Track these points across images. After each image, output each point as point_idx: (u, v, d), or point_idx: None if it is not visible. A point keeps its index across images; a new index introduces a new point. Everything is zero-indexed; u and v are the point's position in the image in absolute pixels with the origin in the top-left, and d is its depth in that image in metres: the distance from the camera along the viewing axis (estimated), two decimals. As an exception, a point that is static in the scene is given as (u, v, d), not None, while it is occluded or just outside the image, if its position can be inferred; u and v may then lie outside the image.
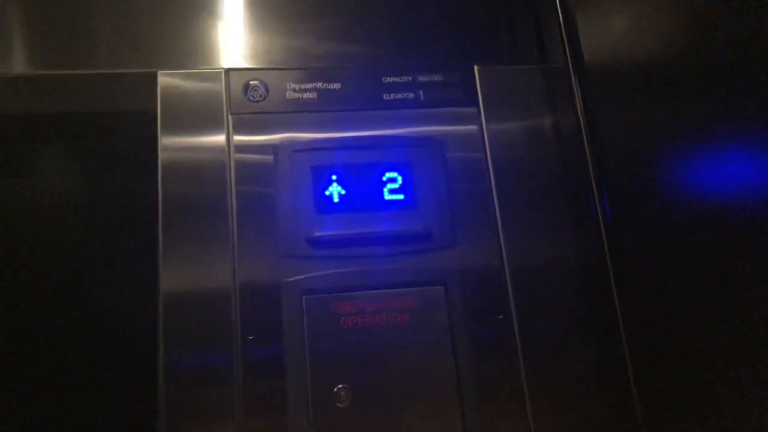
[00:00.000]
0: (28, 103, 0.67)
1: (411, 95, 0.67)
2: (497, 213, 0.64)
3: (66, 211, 0.72)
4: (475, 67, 0.69)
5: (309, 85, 0.66)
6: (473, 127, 0.67)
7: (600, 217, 0.59)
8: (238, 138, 0.63)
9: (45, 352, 0.67)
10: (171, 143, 0.62)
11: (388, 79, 0.68)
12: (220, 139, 0.63)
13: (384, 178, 0.64)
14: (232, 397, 0.55)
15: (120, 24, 0.68)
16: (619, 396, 0.57)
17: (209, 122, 0.64)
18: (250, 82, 0.65)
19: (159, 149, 0.62)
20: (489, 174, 0.66)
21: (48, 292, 0.69)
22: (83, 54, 0.67)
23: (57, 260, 0.70)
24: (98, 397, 0.63)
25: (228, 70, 0.65)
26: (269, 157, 0.63)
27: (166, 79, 0.65)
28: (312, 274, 0.60)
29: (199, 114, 0.64)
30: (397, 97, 0.67)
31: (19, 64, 0.67)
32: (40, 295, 0.69)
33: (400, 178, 0.64)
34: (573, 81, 0.63)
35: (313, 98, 0.66)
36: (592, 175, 0.60)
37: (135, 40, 0.67)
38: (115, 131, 0.70)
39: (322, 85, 0.66)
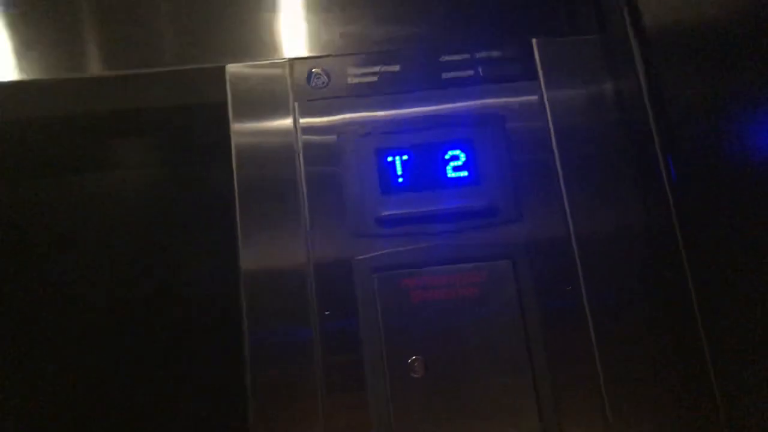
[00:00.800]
0: (105, 102, 0.72)
1: (470, 72, 0.68)
2: (562, 184, 0.64)
3: (148, 201, 0.77)
4: (533, 40, 0.69)
5: (368, 69, 0.68)
6: (534, 100, 0.67)
7: (666, 183, 0.58)
8: (304, 123, 0.66)
9: (134, 335, 0.72)
10: (242, 130, 0.65)
11: (446, 58, 0.68)
12: (287, 124, 0.66)
13: (447, 156, 0.65)
14: (313, 370, 0.59)
15: (186, 22, 0.71)
16: (696, 371, 0.57)
17: (277, 110, 0.67)
18: (313, 70, 0.68)
19: (232, 137, 0.65)
20: (552, 146, 0.66)
21: (135, 278, 0.74)
22: (154, 52, 0.71)
23: (143, 247, 0.75)
24: (188, 374, 0.68)
25: (291, 60, 0.68)
26: (335, 140, 0.65)
27: (234, 72, 0.68)
28: (381, 252, 0.62)
29: (267, 102, 0.67)
30: (456, 75, 0.68)
31: (93, 66, 0.72)
32: (128, 282, 0.75)
33: (463, 156, 0.65)
34: (633, 48, 0.62)
35: (373, 81, 0.67)
36: (656, 141, 0.59)
37: (202, 37, 0.71)
38: (189, 123, 0.74)
39: (381, 68, 0.68)
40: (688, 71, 0.57)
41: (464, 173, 0.65)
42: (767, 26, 0.45)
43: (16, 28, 0.72)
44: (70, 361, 0.71)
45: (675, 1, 0.58)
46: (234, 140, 0.65)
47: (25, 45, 0.70)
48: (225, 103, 0.67)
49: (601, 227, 0.63)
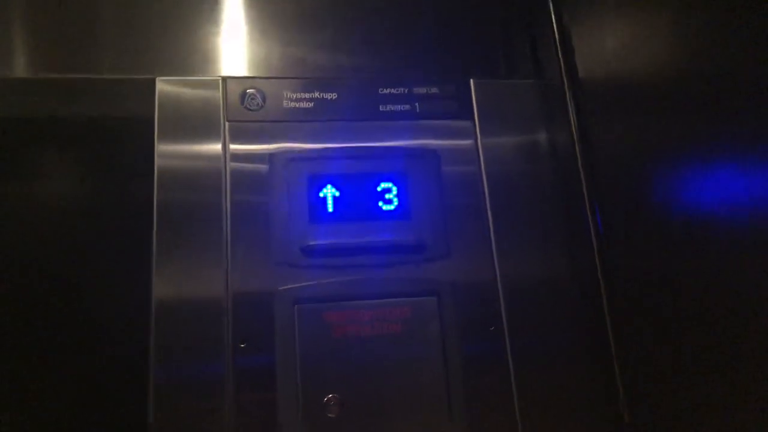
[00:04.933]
0: (28, 105, 0.67)
1: (407, 107, 0.68)
2: (491, 225, 0.65)
3: (62, 213, 0.72)
4: (471, 80, 0.70)
5: (306, 95, 0.66)
6: (468, 140, 0.67)
7: (592, 230, 0.59)
8: (235, 146, 0.63)
9: (37, 357, 0.67)
10: (167, 150, 0.62)
11: (385, 90, 0.68)
12: (216, 146, 0.63)
13: (379, 189, 0.64)
14: (222, 407, 0.55)
15: (120, 30, 0.68)
16: (610, 411, 0.57)
17: (206, 129, 0.64)
18: (248, 91, 0.66)
19: (156, 155, 0.62)
20: (483, 187, 0.66)
21: (42, 295, 0.69)
22: (83, 58, 0.67)
23: (52, 263, 0.70)
24: (89, 405, 0.63)
25: (225, 78, 0.66)
26: (265, 166, 0.63)
27: (164, 86, 0.65)
28: (305, 284, 0.60)
29: (196, 121, 0.64)
30: (393, 109, 0.68)
31: (19, 68, 0.67)
32: (34, 299, 0.69)
33: (395, 189, 0.64)
34: (567, 96, 0.64)
35: (309, 107, 0.66)
36: (584, 189, 0.60)
37: (135, 46, 0.68)
38: (113, 136, 0.70)
39: (319, 94, 0.67)
40: (618, 123, 0.59)
41: (395, 206, 0.64)
42: (694, 84, 0.47)
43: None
44: None
45: (608, 55, 0.60)
46: (158, 161, 0.62)
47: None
48: (152, 119, 0.64)
49: (527, 271, 0.63)
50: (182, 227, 0.59)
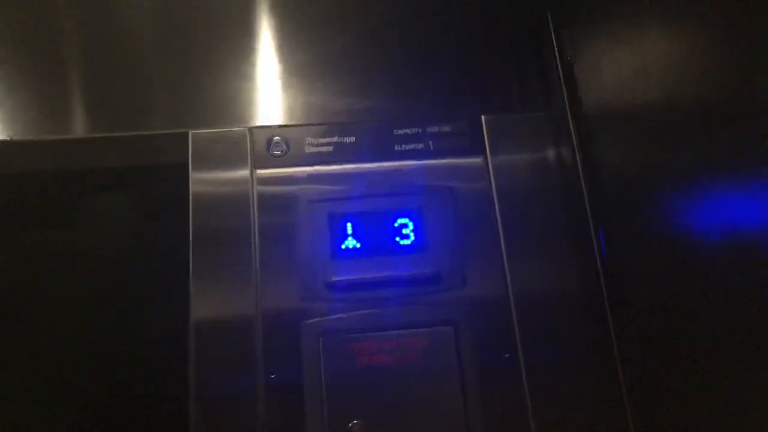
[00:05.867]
0: (82, 161, 0.75)
1: (421, 145, 0.72)
2: (504, 255, 0.68)
3: (115, 249, 0.80)
4: (482, 116, 0.74)
5: (326, 140, 0.72)
6: (480, 175, 0.71)
7: (597, 256, 0.62)
8: (261, 190, 0.69)
9: (85, 380, 0.74)
10: (201, 194, 0.69)
11: (400, 131, 0.73)
12: (245, 190, 0.69)
13: (396, 224, 0.68)
14: (255, 424, 0.60)
15: (155, 89, 0.75)
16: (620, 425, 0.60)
17: (235, 175, 0.70)
18: (273, 138, 0.71)
19: (191, 201, 0.68)
20: (496, 217, 0.69)
21: (96, 321, 0.76)
22: (128, 117, 0.75)
23: (104, 295, 0.77)
24: (132, 423, 0.69)
25: (252, 128, 0.72)
26: (290, 207, 0.68)
27: (197, 137, 0.71)
28: (329, 317, 0.64)
29: (227, 168, 0.70)
30: (407, 148, 0.72)
31: (74, 128, 0.75)
32: (84, 327, 0.76)
33: (411, 224, 0.69)
34: (570, 125, 0.67)
35: (329, 151, 0.71)
36: (589, 216, 0.64)
37: (169, 103, 0.74)
38: (152, 182, 0.77)
39: (338, 138, 0.72)
40: (622, 151, 0.62)
41: (411, 241, 0.68)
42: (694, 111, 0.49)
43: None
44: (29, 410, 0.72)
45: (611, 83, 0.63)
46: (193, 206, 0.68)
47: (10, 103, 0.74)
48: (186, 164, 0.70)
49: (540, 298, 0.67)
50: (214, 266, 0.66)
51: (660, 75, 0.54)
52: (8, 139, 0.73)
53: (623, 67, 0.61)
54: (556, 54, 0.70)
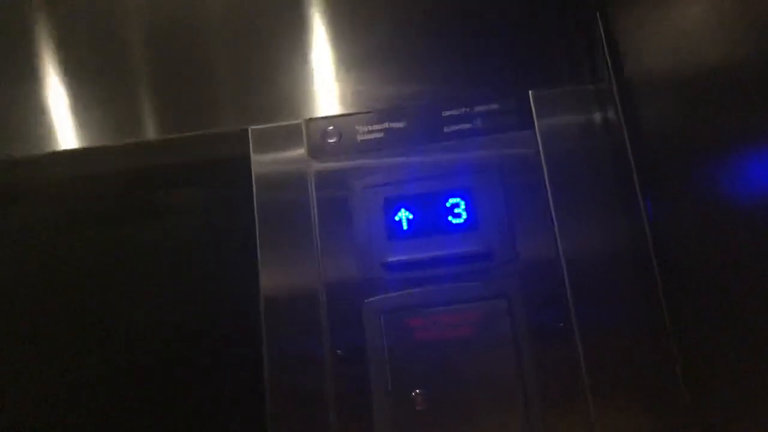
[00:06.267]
0: (154, 160, 0.82)
1: (469, 125, 0.74)
2: (555, 227, 0.69)
3: (193, 235, 0.87)
4: (530, 92, 0.75)
5: (376, 126, 0.75)
6: (530, 149, 0.72)
7: (645, 222, 0.63)
8: (319, 178, 0.73)
9: (163, 351, 0.82)
10: (263, 185, 0.74)
11: (447, 113, 0.75)
12: (303, 179, 0.73)
13: (448, 204, 0.71)
14: (324, 393, 0.66)
15: (215, 88, 0.81)
16: (677, 399, 0.61)
17: (294, 165, 0.74)
18: (327, 129, 0.75)
19: (254, 190, 0.74)
20: (546, 188, 0.71)
21: (175, 299, 0.84)
22: (190, 117, 0.81)
23: (183, 280, 0.85)
24: (210, 389, 0.77)
25: (307, 120, 0.76)
26: (346, 193, 0.72)
27: (256, 133, 0.76)
28: (387, 295, 0.68)
29: (285, 159, 0.75)
30: (456, 128, 0.74)
31: (144, 131, 0.82)
32: (171, 306, 0.84)
33: (462, 203, 0.71)
34: (615, 96, 0.67)
35: (381, 137, 0.74)
36: (636, 183, 0.64)
37: (228, 101, 0.80)
38: (220, 178, 0.83)
39: (388, 125, 0.75)
40: (666, 118, 0.62)
41: (464, 220, 0.70)
42: (735, 76, 0.49)
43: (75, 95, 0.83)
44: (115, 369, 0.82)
45: (653, 51, 0.63)
46: (256, 195, 0.73)
47: (83, 111, 0.82)
48: (248, 157, 0.75)
49: (592, 267, 0.68)
50: (280, 249, 0.71)
51: (701, 40, 0.54)
52: (8, 155, 0.80)
53: (665, 34, 0.61)
54: (600, 25, 0.70)
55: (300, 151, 0.75)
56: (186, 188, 0.89)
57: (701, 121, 0.56)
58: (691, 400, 0.60)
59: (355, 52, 0.79)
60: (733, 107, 0.51)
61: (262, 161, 0.75)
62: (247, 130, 0.76)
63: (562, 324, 0.67)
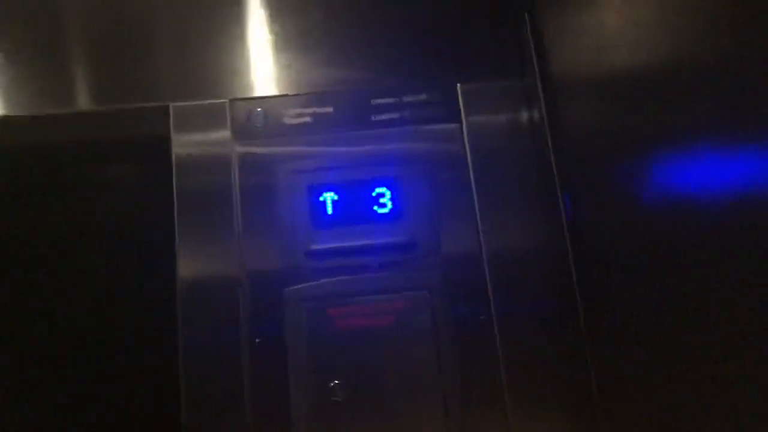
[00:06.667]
0: (71, 134, 0.77)
1: (397, 115, 0.74)
2: (478, 222, 0.70)
3: (100, 223, 0.82)
4: (458, 84, 0.75)
5: (304, 110, 0.73)
6: (456, 142, 0.73)
7: (564, 219, 0.65)
8: (243, 161, 0.71)
9: (76, 340, 0.78)
10: (183, 167, 0.71)
11: (377, 101, 0.74)
12: (226, 163, 0.71)
13: (374, 194, 0.71)
14: (241, 383, 0.64)
15: (138, 63, 0.76)
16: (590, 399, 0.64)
17: (216, 148, 0.72)
18: (252, 110, 0.73)
19: (173, 172, 0.70)
20: (470, 182, 0.72)
21: (86, 283, 0.80)
22: (108, 91, 0.76)
23: (95, 262, 0.81)
24: (123, 379, 0.74)
25: (232, 100, 0.73)
26: (270, 178, 0.70)
27: (177, 111, 0.72)
28: (310, 284, 0.67)
29: (208, 140, 0.72)
30: (384, 118, 0.74)
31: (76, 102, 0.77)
32: (77, 289, 0.80)
33: (388, 193, 0.71)
34: (540, 93, 0.69)
35: (308, 122, 0.73)
36: (556, 180, 0.66)
37: (151, 76, 0.76)
38: (138, 156, 0.79)
39: (316, 109, 0.73)
40: (587, 118, 0.64)
41: (389, 209, 0.70)
42: (655, 78, 0.51)
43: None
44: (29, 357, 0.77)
45: (577, 51, 0.64)
46: (176, 178, 0.70)
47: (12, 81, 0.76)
48: (169, 136, 0.72)
49: (512, 261, 0.69)
50: (200, 231, 0.69)
51: (618, 44, 0.56)
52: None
53: (586, 37, 0.62)
54: (528, 25, 0.71)
55: (224, 133, 0.72)
56: (105, 165, 0.84)
57: (616, 122, 0.58)
58: (601, 400, 0.62)
59: (288, 32, 0.77)
60: (645, 109, 0.53)
61: (183, 141, 0.72)
62: (168, 107, 0.72)
63: (482, 317, 0.68)
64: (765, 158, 0.38)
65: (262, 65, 0.77)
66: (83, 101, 0.76)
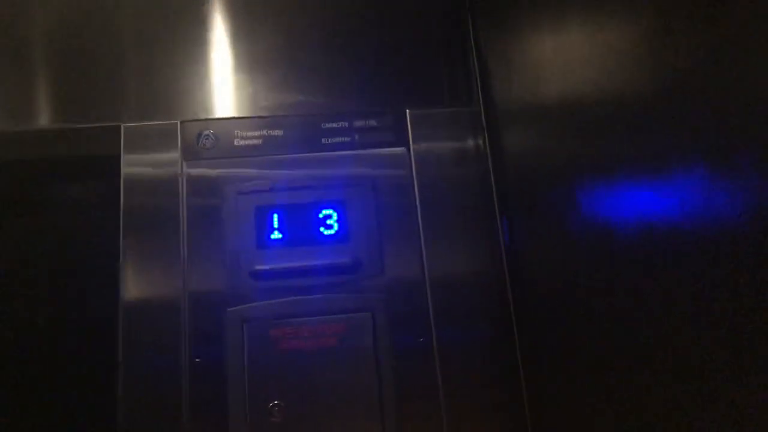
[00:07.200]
0: (24, 151, 0.77)
1: (347, 138, 0.75)
2: (422, 241, 0.71)
3: (47, 239, 0.82)
4: (407, 110, 0.77)
5: (254, 133, 0.74)
6: (403, 167, 0.74)
7: (502, 245, 0.66)
8: (191, 181, 0.71)
9: (17, 352, 0.77)
10: (131, 187, 0.71)
11: (327, 125, 0.75)
12: (174, 183, 0.71)
13: (321, 215, 0.72)
14: (180, 403, 0.64)
15: (95, 84, 0.77)
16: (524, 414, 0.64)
17: (166, 168, 0.72)
18: (202, 132, 0.74)
19: (122, 188, 0.71)
20: (416, 207, 0.73)
21: (33, 300, 0.79)
22: (61, 110, 0.76)
23: (40, 279, 0.80)
24: (61, 395, 0.73)
25: (182, 122, 0.74)
26: (218, 200, 0.71)
27: (128, 131, 0.73)
28: (252, 304, 0.68)
29: (157, 161, 0.73)
30: (334, 141, 0.75)
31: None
32: (26, 302, 0.79)
33: (335, 215, 0.72)
34: (483, 120, 0.71)
35: (258, 144, 0.74)
36: (496, 205, 0.68)
37: (102, 96, 0.76)
38: (88, 175, 0.79)
39: (266, 132, 0.74)
40: (527, 145, 0.65)
41: (335, 231, 0.71)
42: (592, 109, 0.52)
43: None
44: None
45: (519, 80, 0.66)
46: (123, 195, 0.70)
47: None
48: (119, 156, 0.73)
49: (454, 287, 0.70)
50: (144, 253, 0.69)
51: (554, 74, 0.57)
52: None
53: (527, 67, 0.64)
54: (473, 50, 0.73)
55: (173, 154, 0.73)
56: (54, 184, 0.84)
57: (548, 149, 0.59)
58: (534, 422, 0.63)
59: (241, 55, 0.78)
60: (573, 139, 0.54)
61: (133, 161, 0.72)
62: (120, 127, 0.73)
63: (422, 339, 0.68)
64: (674, 190, 0.40)
65: (215, 87, 0.78)
66: (36, 119, 0.76)
